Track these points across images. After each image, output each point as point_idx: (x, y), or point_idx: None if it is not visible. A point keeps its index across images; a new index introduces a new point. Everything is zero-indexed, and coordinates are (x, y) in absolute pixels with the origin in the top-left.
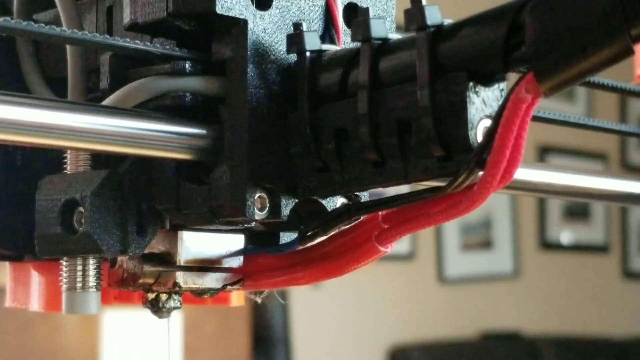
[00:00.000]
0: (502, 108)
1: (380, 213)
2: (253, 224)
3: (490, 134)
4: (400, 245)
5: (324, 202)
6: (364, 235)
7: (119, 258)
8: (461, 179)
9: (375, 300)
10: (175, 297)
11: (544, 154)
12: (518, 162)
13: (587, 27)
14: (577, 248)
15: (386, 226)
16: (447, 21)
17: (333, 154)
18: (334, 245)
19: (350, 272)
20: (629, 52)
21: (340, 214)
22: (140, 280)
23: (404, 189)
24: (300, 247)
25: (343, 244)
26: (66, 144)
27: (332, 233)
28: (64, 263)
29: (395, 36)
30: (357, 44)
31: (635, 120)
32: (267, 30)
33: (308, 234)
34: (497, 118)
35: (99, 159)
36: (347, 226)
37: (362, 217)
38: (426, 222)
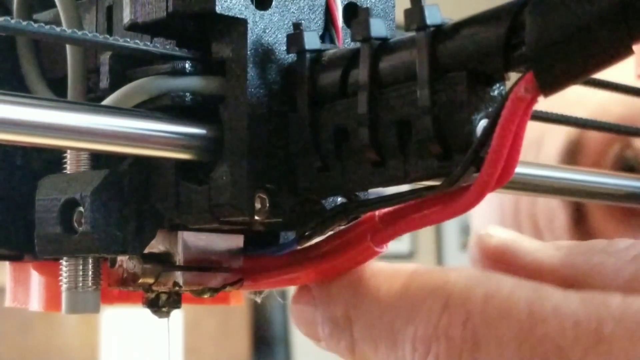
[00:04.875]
0: (500, 107)
1: (377, 213)
2: (253, 224)
3: (487, 132)
4: (400, 244)
5: (324, 202)
6: (361, 235)
7: (119, 258)
8: (457, 177)
9: None
10: (175, 297)
11: None
12: (516, 162)
13: (587, 26)
14: None
15: (382, 226)
16: (448, 21)
17: (333, 154)
18: (331, 245)
19: (346, 271)
20: (629, 52)
21: (337, 213)
22: (140, 280)
23: (404, 188)
24: (299, 247)
25: (340, 244)
26: (66, 144)
27: (330, 232)
28: (64, 263)
29: (395, 36)
30: (357, 44)
31: None
32: (267, 30)
33: (306, 233)
34: (495, 117)
35: (99, 159)
36: (345, 226)
37: (361, 216)
38: (422, 222)
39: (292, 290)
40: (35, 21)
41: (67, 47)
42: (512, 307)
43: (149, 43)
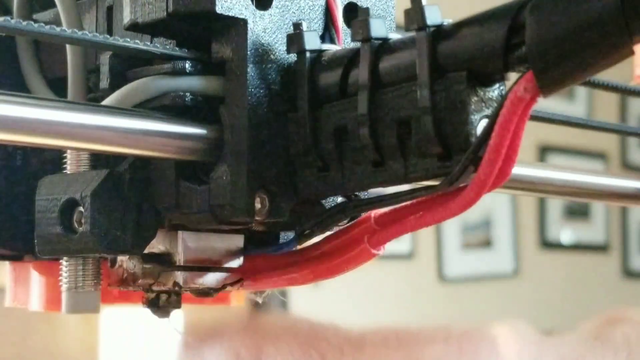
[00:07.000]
0: (499, 107)
1: (372, 215)
2: (253, 224)
3: (486, 132)
4: (400, 244)
5: (324, 202)
6: (358, 237)
7: (119, 258)
8: (455, 177)
9: (375, 299)
10: (175, 297)
11: (544, 153)
12: (513, 162)
13: (587, 27)
14: (577, 247)
15: (378, 228)
16: (447, 21)
17: (333, 154)
18: (329, 246)
19: (343, 273)
20: (629, 53)
21: (336, 213)
22: (140, 280)
23: (403, 188)
24: (299, 247)
25: (338, 245)
26: (66, 144)
27: (330, 232)
28: (64, 263)
29: (395, 36)
30: (357, 44)
31: (635, 120)
32: (267, 30)
33: (305, 232)
34: (494, 116)
35: (99, 159)
36: (343, 226)
37: (360, 216)
38: (419, 223)
39: (292, 290)
40: (35, 21)
41: (67, 47)
42: (296, 325)
43: (149, 43)
